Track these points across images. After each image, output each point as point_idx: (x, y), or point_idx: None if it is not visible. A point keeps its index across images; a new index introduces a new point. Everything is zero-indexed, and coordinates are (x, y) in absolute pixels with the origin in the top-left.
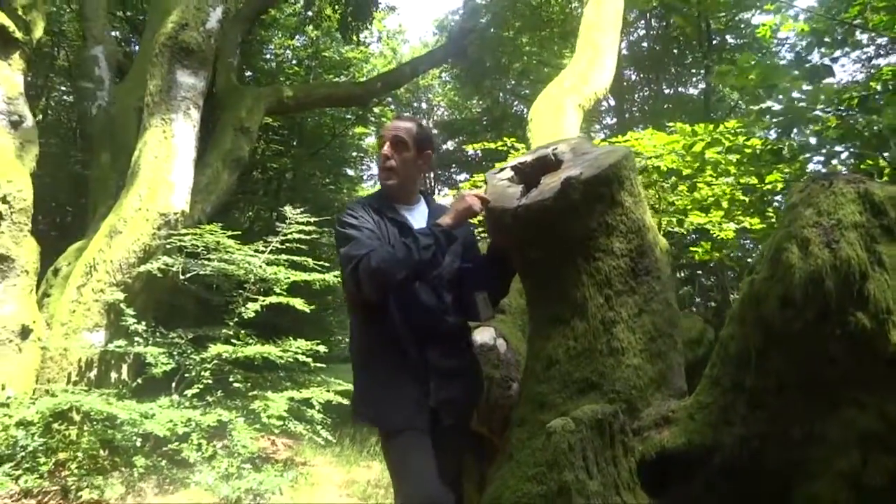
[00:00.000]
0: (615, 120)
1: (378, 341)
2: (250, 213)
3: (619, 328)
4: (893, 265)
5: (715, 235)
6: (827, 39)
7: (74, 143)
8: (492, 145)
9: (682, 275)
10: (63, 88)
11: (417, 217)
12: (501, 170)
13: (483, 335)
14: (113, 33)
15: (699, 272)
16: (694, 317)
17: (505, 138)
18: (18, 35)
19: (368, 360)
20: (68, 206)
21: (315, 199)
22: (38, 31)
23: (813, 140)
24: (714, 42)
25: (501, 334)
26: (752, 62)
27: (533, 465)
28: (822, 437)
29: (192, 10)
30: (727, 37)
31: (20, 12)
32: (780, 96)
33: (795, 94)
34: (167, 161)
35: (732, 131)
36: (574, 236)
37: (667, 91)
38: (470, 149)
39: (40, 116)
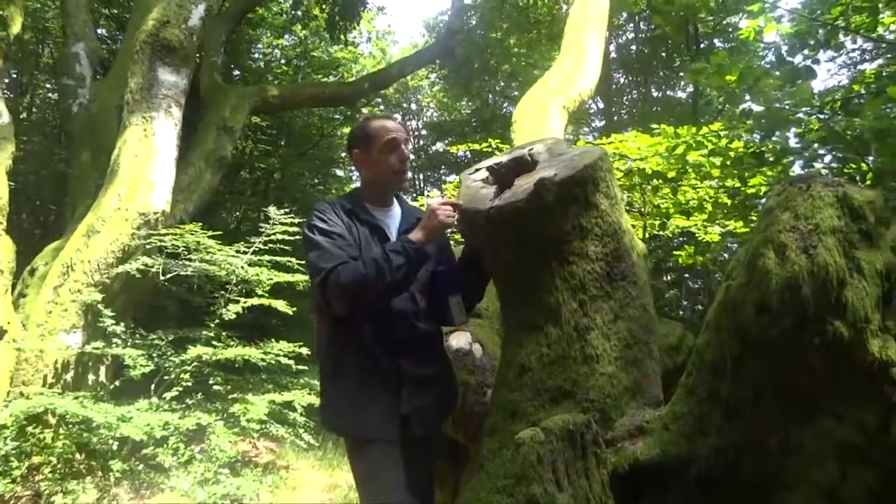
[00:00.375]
0: (604, 122)
1: (347, 347)
2: (238, 213)
3: (594, 335)
4: (872, 272)
5: (700, 239)
6: (811, 42)
7: (59, 140)
8: (477, 146)
9: (669, 278)
10: (48, 86)
11: (391, 219)
12: (476, 170)
13: (459, 340)
14: (99, 31)
15: (686, 275)
16: (673, 323)
17: (490, 139)
18: None
19: (337, 366)
20: (52, 204)
21: (303, 199)
22: (16, 27)
23: (795, 143)
24: (702, 46)
25: (478, 339)
26: (727, 60)
27: (503, 476)
28: (799, 447)
29: (174, 7)
30: (715, 41)
31: None
32: (761, 98)
33: (778, 96)
34: (147, 160)
35: (716, 134)
36: (547, 239)
37: (655, 94)
38: (455, 149)
39: (25, 114)
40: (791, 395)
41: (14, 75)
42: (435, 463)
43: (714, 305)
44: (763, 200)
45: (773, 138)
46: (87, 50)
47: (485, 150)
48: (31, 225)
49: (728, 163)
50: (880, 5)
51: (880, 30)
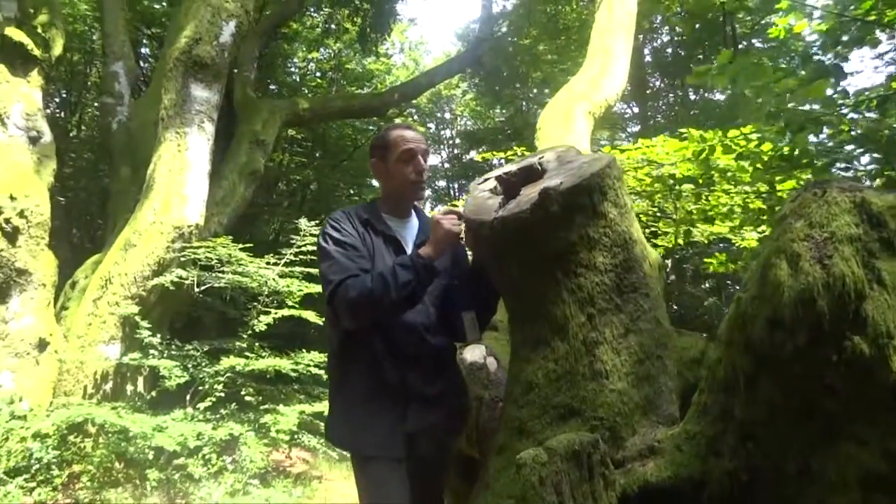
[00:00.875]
0: (639, 127)
1: (356, 360)
2: (275, 225)
3: (603, 349)
4: (894, 283)
5: (736, 245)
6: (844, 38)
7: (104, 157)
8: (502, 155)
9: (708, 285)
10: (95, 104)
11: (408, 231)
12: (485, 179)
13: (473, 354)
14: (143, 49)
15: (728, 282)
16: (694, 335)
17: (516, 147)
18: (37, 52)
19: (345, 378)
20: (100, 218)
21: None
22: (58, 49)
23: (830, 144)
24: (740, 46)
25: (492, 353)
26: (730, 61)
27: (507, 497)
28: (819, 473)
29: (206, 24)
30: (754, 41)
31: (39, 30)
32: (772, 101)
33: (792, 96)
34: (181, 174)
35: (746, 137)
36: (553, 250)
37: (693, 97)
38: (480, 158)
39: (75, 131)
40: (809, 417)
41: (64, 94)
42: (444, 481)
43: (725, 319)
44: None
45: (812, 139)
46: (126, 69)
47: (510, 158)
48: (81, 238)
49: (758, 166)
50: None
51: None
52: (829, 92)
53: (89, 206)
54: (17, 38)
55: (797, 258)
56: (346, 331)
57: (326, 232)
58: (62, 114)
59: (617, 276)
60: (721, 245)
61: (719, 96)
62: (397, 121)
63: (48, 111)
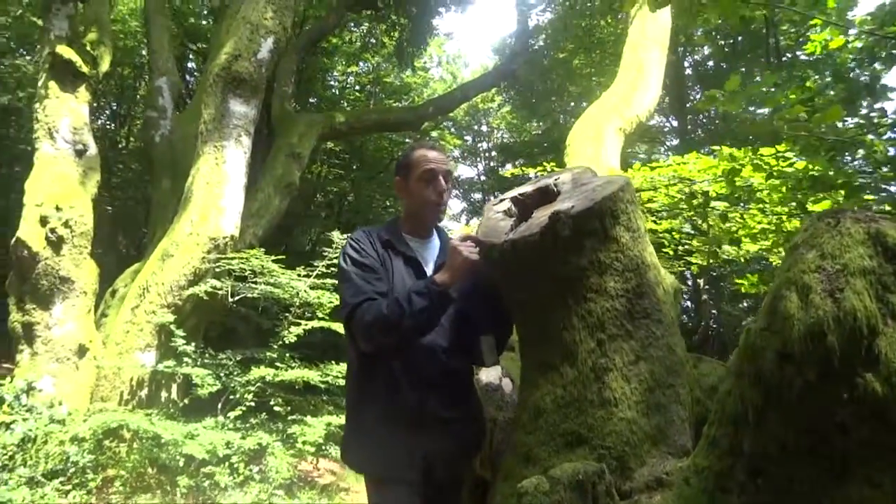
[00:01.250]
0: (678, 141)
1: (372, 380)
2: (312, 236)
3: (612, 376)
4: None
5: (774, 264)
6: (882, 55)
7: (150, 168)
8: (532, 170)
9: (746, 304)
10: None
11: (429, 251)
12: (501, 200)
13: (488, 374)
14: (189, 64)
15: None
16: (713, 361)
17: (545, 163)
18: (85, 69)
19: (362, 399)
20: (145, 227)
21: (375, 222)
22: (105, 65)
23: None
24: (784, 59)
25: (508, 374)
26: (739, 86)
27: None
28: None
29: (245, 41)
30: (798, 53)
31: (88, 47)
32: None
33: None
34: (218, 187)
35: (780, 155)
36: (564, 275)
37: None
38: (510, 174)
39: (123, 143)
40: (820, 455)
41: (114, 107)
42: None
43: (736, 351)
44: None
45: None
46: (169, 84)
47: (540, 174)
48: (127, 246)
49: (789, 186)
50: None
51: None
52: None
53: (136, 214)
54: (67, 56)
55: (808, 290)
56: (363, 352)
57: (346, 252)
58: (112, 126)
59: (628, 302)
60: (761, 263)
61: (763, 110)
62: (433, 133)
63: (99, 123)
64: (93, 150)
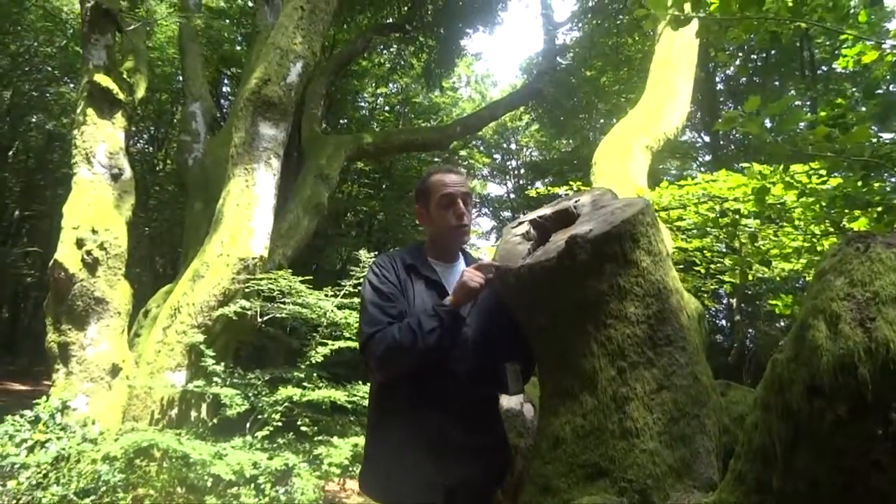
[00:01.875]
0: (710, 157)
1: (393, 406)
2: (342, 255)
3: (634, 406)
4: None
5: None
6: None
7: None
8: (557, 189)
9: (783, 323)
10: None
11: (453, 275)
12: (520, 223)
13: (509, 400)
14: (224, 89)
15: None
16: (743, 388)
17: (571, 181)
18: (121, 96)
19: (382, 425)
20: (180, 248)
21: (405, 240)
22: (141, 92)
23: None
24: (819, 72)
25: (529, 399)
26: (758, 108)
27: None
28: None
29: (275, 65)
30: (834, 66)
31: (125, 75)
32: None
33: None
34: (248, 209)
35: (814, 171)
36: (582, 300)
37: (768, 125)
38: (534, 193)
39: (161, 165)
40: (856, 494)
41: (152, 131)
42: None
43: (762, 382)
44: None
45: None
46: (203, 109)
47: (566, 192)
48: (164, 266)
49: (822, 204)
50: None
51: None
52: None
53: (172, 235)
54: (105, 84)
55: (836, 319)
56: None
57: (368, 277)
58: (150, 149)
59: (650, 328)
60: (798, 282)
61: (799, 126)
62: (462, 153)
63: (137, 147)
64: (128, 174)
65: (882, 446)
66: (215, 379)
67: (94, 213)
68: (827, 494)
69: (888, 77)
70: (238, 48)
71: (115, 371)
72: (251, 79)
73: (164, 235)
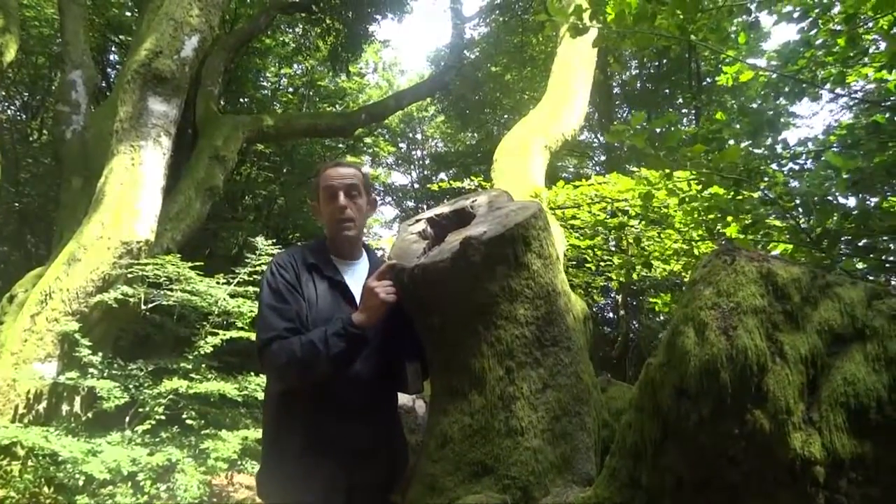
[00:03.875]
0: (605, 157)
1: (292, 408)
2: (239, 239)
3: (520, 405)
4: (796, 357)
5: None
6: (786, 90)
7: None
8: (459, 183)
9: (662, 318)
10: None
11: (357, 274)
12: (416, 221)
13: (402, 396)
14: (111, 57)
15: None
16: (622, 385)
17: (472, 177)
18: None
19: (280, 428)
20: (55, 225)
21: (304, 227)
22: (10, 55)
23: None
24: (704, 83)
25: (421, 396)
26: (644, 123)
27: None
28: None
29: (168, 37)
30: (717, 79)
31: None
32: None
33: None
34: (133, 188)
35: (691, 180)
36: (474, 301)
37: (658, 130)
38: (436, 188)
39: (35, 135)
40: (713, 488)
41: (26, 97)
42: None
43: (637, 384)
44: None
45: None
46: (84, 77)
47: (467, 188)
48: (37, 245)
49: (700, 210)
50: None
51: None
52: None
53: (46, 212)
54: None
55: (704, 327)
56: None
57: (265, 277)
58: (22, 116)
59: (538, 329)
60: (678, 279)
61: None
62: (367, 140)
63: (8, 113)
64: None
65: (738, 444)
66: (91, 370)
67: None
68: (689, 489)
69: (762, 93)
70: (128, 14)
71: None
72: (140, 50)
73: (38, 212)
